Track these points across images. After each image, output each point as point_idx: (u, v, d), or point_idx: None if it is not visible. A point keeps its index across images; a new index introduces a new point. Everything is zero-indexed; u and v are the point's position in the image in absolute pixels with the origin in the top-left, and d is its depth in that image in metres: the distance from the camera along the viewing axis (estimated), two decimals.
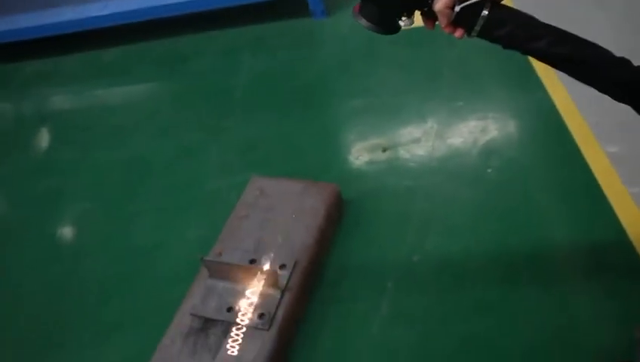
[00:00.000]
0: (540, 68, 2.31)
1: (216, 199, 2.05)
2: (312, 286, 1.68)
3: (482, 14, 0.96)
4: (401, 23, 1.03)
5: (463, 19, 0.98)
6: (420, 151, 2.07)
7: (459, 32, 1.01)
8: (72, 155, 2.42)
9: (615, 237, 1.68)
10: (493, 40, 1.00)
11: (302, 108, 2.40)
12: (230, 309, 1.53)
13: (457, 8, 0.96)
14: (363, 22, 1.04)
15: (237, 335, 1.48)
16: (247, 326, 1.50)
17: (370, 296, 1.65)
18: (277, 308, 1.52)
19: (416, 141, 2.11)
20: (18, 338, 1.73)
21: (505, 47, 1.01)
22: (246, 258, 1.65)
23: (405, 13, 1.02)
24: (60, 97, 2.89)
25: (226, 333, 1.49)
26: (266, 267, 1.59)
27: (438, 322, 1.57)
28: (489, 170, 1.96)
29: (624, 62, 0.99)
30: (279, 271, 1.59)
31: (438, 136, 2.11)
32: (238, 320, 1.51)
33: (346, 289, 1.68)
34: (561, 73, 2.38)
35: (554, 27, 0.99)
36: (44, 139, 2.61)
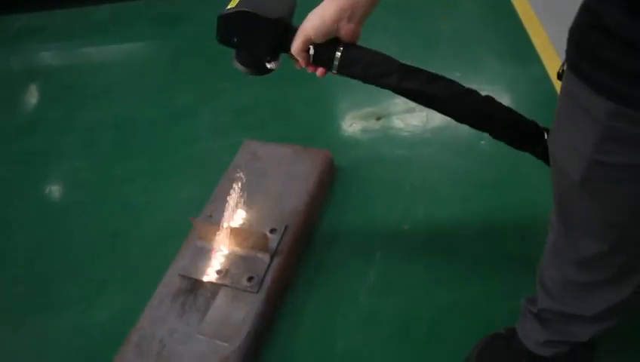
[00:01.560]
0: (538, 40, 2.30)
1: (208, 160, 2.04)
2: (302, 251, 1.68)
3: (335, 55, 1.06)
4: (269, 66, 1.16)
5: (320, 60, 1.08)
6: (414, 121, 2.06)
7: (320, 71, 1.11)
8: (61, 113, 2.38)
9: None
10: (351, 76, 1.10)
11: (296, 73, 2.35)
12: (219, 271, 1.54)
13: (311, 51, 1.07)
14: (238, 66, 1.19)
15: (225, 297, 1.49)
16: (236, 289, 1.50)
17: (358, 264, 1.65)
18: (266, 271, 1.53)
19: (411, 111, 2.10)
20: (3, 297, 1.72)
21: (363, 82, 1.11)
22: (237, 220, 1.65)
23: (269, 57, 1.14)
24: (49, 53, 2.83)
25: (215, 295, 1.50)
26: (257, 230, 1.59)
27: (425, 291, 1.58)
28: (482, 142, 1.96)
29: (470, 92, 1.09)
30: (269, 235, 1.59)
31: None
32: (226, 282, 1.51)
33: (335, 256, 1.69)
34: (558, 46, 2.37)
35: (406, 65, 1.09)
36: (32, 96, 2.57)
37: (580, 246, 0.99)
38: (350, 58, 1.07)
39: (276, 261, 1.56)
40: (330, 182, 1.85)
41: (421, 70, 1.09)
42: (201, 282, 1.53)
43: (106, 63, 2.69)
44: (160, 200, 1.92)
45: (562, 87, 0.85)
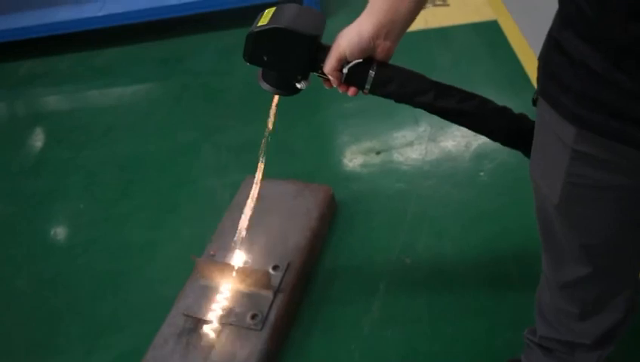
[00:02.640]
0: (531, 70, 2.34)
1: (210, 199, 2.06)
2: (305, 287, 1.69)
3: (369, 74, 1.02)
4: (299, 86, 1.11)
5: (353, 80, 1.04)
6: (413, 154, 2.09)
7: (352, 91, 1.07)
8: (64, 155, 2.42)
9: None
10: (384, 95, 1.07)
11: (296, 109, 2.41)
12: (223, 310, 1.54)
13: (345, 70, 1.02)
14: (265, 86, 1.14)
15: (229, 335, 1.49)
16: (240, 327, 1.50)
17: (361, 298, 1.66)
18: (269, 308, 1.53)
19: (410, 144, 2.13)
20: (8, 338, 1.73)
21: (396, 101, 1.08)
22: (239, 258, 1.66)
23: (300, 76, 1.09)
24: (54, 97, 2.89)
25: (219, 334, 1.50)
26: (259, 268, 1.60)
27: (429, 324, 1.58)
28: (481, 174, 1.98)
29: (505, 110, 1.07)
30: (272, 272, 1.60)
31: (431, 139, 2.13)
32: (230, 321, 1.52)
33: (338, 291, 1.69)
34: None
35: (439, 83, 1.06)
36: (36, 138, 2.61)
37: (565, 271, 1.00)
38: (384, 77, 1.03)
39: (279, 298, 1.56)
40: (331, 217, 1.87)
41: (455, 88, 1.07)
42: (205, 321, 1.53)
43: (108, 105, 2.74)
44: (162, 240, 1.94)
45: (536, 114, 0.88)
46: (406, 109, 2.26)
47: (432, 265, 1.73)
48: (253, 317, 1.51)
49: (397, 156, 2.10)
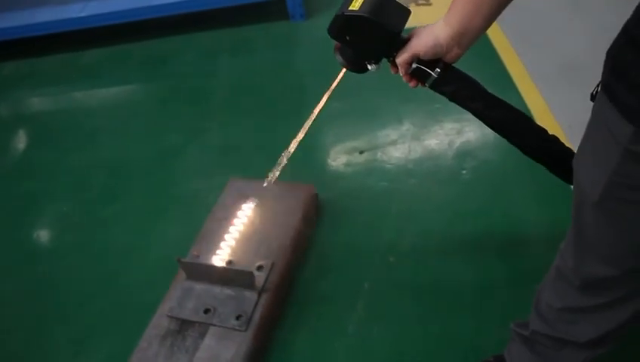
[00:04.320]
0: (515, 72, 2.36)
1: (194, 200, 2.06)
2: (289, 286, 1.69)
3: (433, 74, 1.11)
4: (369, 67, 1.19)
5: (418, 74, 1.13)
6: (397, 153, 2.10)
7: (413, 83, 1.16)
8: (50, 157, 2.40)
9: None
10: (441, 93, 1.16)
11: (280, 110, 2.42)
12: (207, 311, 1.55)
13: (414, 65, 1.12)
14: (340, 59, 1.21)
15: (214, 336, 1.49)
16: (225, 328, 1.51)
17: (346, 297, 1.67)
18: (254, 309, 1.54)
19: (393, 143, 2.14)
20: None
21: (450, 100, 1.18)
22: (223, 259, 1.67)
23: (374, 60, 1.17)
24: (38, 99, 2.87)
25: (203, 335, 1.51)
26: (243, 268, 1.60)
27: (414, 322, 1.60)
28: (464, 172, 1.99)
29: (542, 131, 1.18)
30: (256, 272, 1.60)
31: (415, 138, 2.14)
32: (215, 322, 1.52)
33: (322, 290, 1.70)
34: (535, 77, 2.43)
35: (492, 94, 1.16)
36: (21, 141, 2.59)
37: (592, 270, 1.00)
38: (446, 78, 1.12)
39: (264, 298, 1.57)
40: (315, 217, 1.88)
41: (504, 102, 1.17)
42: (190, 322, 1.54)
43: (94, 107, 2.73)
44: (147, 242, 1.94)
45: (593, 109, 0.88)
46: (389, 109, 2.30)
47: (416, 263, 1.74)
48: (238, 317, 1.52)
49: (381, 155, 2.11)
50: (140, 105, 2.65)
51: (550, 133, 1.18)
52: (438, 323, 1.59)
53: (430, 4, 2.85)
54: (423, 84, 1.14)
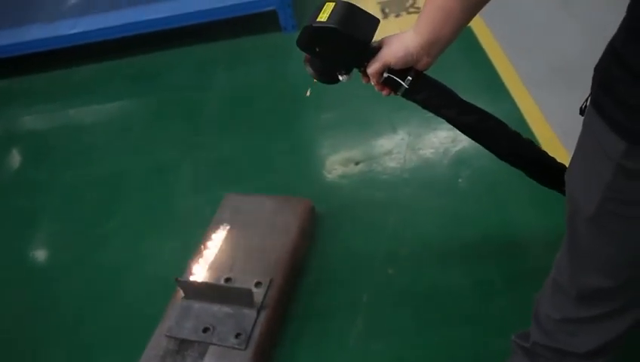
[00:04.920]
0: (508, 78, 2.36)
1: (190, 216, 2.05)
2: (288, 302, 1.68)
3: (405, 82, 1.13)
4: (341, 78, 1.19)
5: (390, 83, 1.14)
6: (392, 163, 2.10)
7: (385, 92, 1.17)
8: (43, 175, 2.39)
9: None
10: (413, 101, 1.17)
11: (274, 122, 2.41)
12: (206, 330, 1.53)
13: (385, 75, 1.12)
14: (309, 70, 1.21)
15: (213, 356, 1.48)
16: (224, 347, 1.50)
17: (345, 310, 1.66)
18: (253, 326, 1.53)
19: (388, 153, 2.14)
20: None
21: (423, 108, 1.20)
22: (221, 276, 1.66)
23: (345, 71, 1.17)
24: (31, 116, 2.86)
25: (203, 354, 1.49)
26: (241, 285, 1.59)
27: (414, 334, 1.59)
28: (460, 180, 1.99)
29: (517, 135, 1.20)
30: (254, 289, 1.59)
31: (410, 147, 2.14)
32: (214, 341, 1.51)
33: (321, 304, 1.69)
34: (528, 83, 2.43)
35: (464, 101, 1.18)
36: (14, 158, 2.58)
37: (587, 282, 1.00)
38: (418, 86, 1.14)
39: (263, 315, 1.56)
40: (312, 231, 1.87)
41: (477, 108, 1.19)
42: (189, 342, 1.53)
43: (87, 123, 2.72)
44: (143, 259, 1.93)
45: (583, 122, 0.88)
46: (382, 118, 2.30)
47: (415, 274, 1.74)
48: (237, 336, 1.51)
49: (376, 166, 2.10)
50: (133, 120, 2.63)
51: (525, 136, 1.20)
52: (438, 333, 1.58)
53: None
54: (396, 92, 1.15)
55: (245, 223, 1.81)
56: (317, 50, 1.13)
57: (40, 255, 2.08)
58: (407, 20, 2.72)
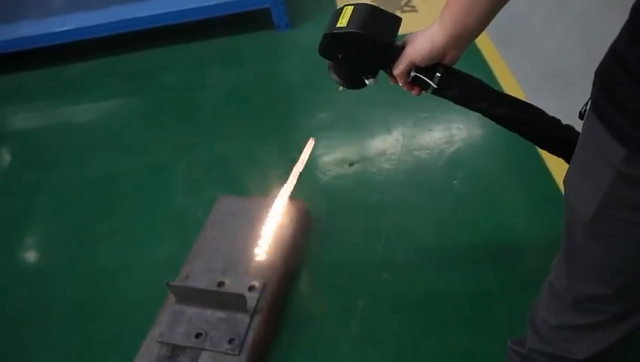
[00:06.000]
0: (502, 77, 2.35)
1: (184, 218, 2.03)
2: (282, 306, 1.67)
3: (434, 79, 1.08)
4: (367, 82, 1.15)
5: (419, 82, 1.10)
6: (387, 164, 2.08)
7: (415, 91, 1.13)
8: (35, 176, 2.36)
9: None
10: (445, 97, 1.13)
11: (268, 121, 2.39)
12: (199, 335, 1.52)
13: (413, 74, 1.09)
14: (335, 78, 1.17)
15: (207, 361, 1.47)
16: (217, 352, 1.48)
17: (340, 315, 1.65)
18: (246, 331, 1.51)
19: (383, 154, 2.12)
20: None
21: (455, 103, 1.14)
22: (214, 280, 1.64)
23: (371, 74, 1.14)
24: (21, 116, 2.82)
25: (195, 360, 1.48)
26: (234, 290, 1.58)
27: (409, 339, 1.58)
28: (455, 182, 1.98)
29: (555, 121, 1.14)
30: (248, 294, 1.57)
31: (404, 148, 2.13)
32: (207, 346, 1.49)
33: (315, 309, 1.68)
34: (524, 83, 2.42)
35: (497, 91, 1.13)
36: (4, 159, 2.54)
37: (584, 289, 0.99)
38: (448, 82, 1.09)
39: (256, 320, 1.54)
40: (306, 234, 1.85)
41: (511, 97, 1.14)
42: (181, 348, 1.51)
43: (79, 122, 2.68)
44: (136, 262, 1.90)
45: (583, 127, 0.87)
46: (377, 118, 2.28)
47: (410, 278, 1.72)
48: (230, 341, 1.49)
49: (371, 167, 2.08)
50: (126, 119, 2.60)
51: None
52: (433, 338, 1.57)
53: (416, 11, 2.83)
54: (426, 90, 1.12)
55: (239, 226, 1.79)
56: (340, 56, 1.11)
57: (30, 257, 2.05)
58: (402, 19, 2.69)
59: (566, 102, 2.12)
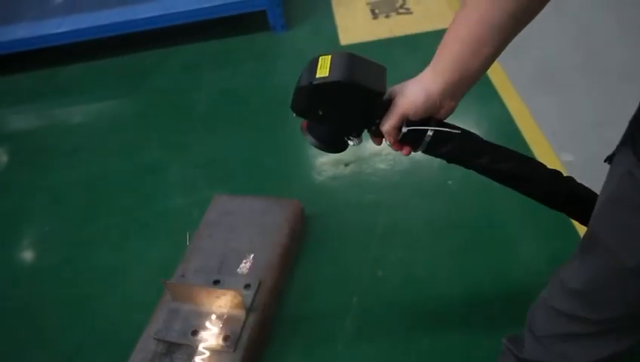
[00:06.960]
0: (496, 78, 2.37)
1: (179, 217, 2.03)
2: (277, 305, 1.67)
3: (427, 134, 0.94)
4: (350, 143, 1.00)
5: (409, 139, 0.96)
6: (382, 165, 2.09)
7: (405, 150, 1.00)
8: (30, 175, 2.36)
9: None
10: (437, 156, 1.00)
11: (263, 123, 2.40)
12: (195, 332, 1.52)
13: (405, 129, 0.94)
14: (311, 140, 1.00)
15: (202, 359, 1.47)
16: (212, 350, 1.48)
17: (335, 313, 1.65)
18: (242, 329, 1.51)
19: (378, 154, 2.13)
20: None
21: (448, 162, 1.01)
22: (210, 279, 1.64)
23: (356, 133, 0.99)
24: (16, 117, 2.82)
25: (191, 357, 1.48)
26: (230, 288, 1.58)
27: (403, 337, 1.58)
28: (449, 182, 1.99)
29: (556, 174, 1.01)
30: (243, 291, 1.58)
31: None
32: (202, 344, 1.49)
33: (310, 307, 1.68)
34: (517, 84, 2.43)
35: (494, 144, 1.00)
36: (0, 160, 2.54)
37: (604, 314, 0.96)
38: (442, 138, 0.95)
39: (252, 317, 1.54)
40: (302, 232, 1.86)
41: (511, 151, 1.01)
42: (177, 345, 1.51)
43: (74, 123, 2.69)
44: (131, 262, 1.90)
45: (618, 169, 0.81)
46: None
47: (404, 277, 1.73)
48: (226, 338, 1.49)
49: (365, 167, 2.10)
50: (120, 120, 2.61)
51: (565, 175, 1.02)
52: (427, 337, 1.58)
53: (411, 13, 2.85)
54: (416, 149, 0.97)
55: (234, 224, 1.80)
56: (320, 113, 0.94)
57: (24, 257, 2.05)
58: (397, 21, 2.73)
59: (557, 100, 2.16)
